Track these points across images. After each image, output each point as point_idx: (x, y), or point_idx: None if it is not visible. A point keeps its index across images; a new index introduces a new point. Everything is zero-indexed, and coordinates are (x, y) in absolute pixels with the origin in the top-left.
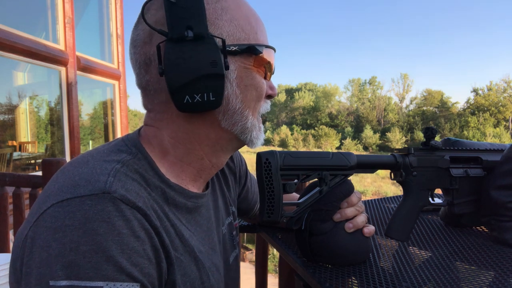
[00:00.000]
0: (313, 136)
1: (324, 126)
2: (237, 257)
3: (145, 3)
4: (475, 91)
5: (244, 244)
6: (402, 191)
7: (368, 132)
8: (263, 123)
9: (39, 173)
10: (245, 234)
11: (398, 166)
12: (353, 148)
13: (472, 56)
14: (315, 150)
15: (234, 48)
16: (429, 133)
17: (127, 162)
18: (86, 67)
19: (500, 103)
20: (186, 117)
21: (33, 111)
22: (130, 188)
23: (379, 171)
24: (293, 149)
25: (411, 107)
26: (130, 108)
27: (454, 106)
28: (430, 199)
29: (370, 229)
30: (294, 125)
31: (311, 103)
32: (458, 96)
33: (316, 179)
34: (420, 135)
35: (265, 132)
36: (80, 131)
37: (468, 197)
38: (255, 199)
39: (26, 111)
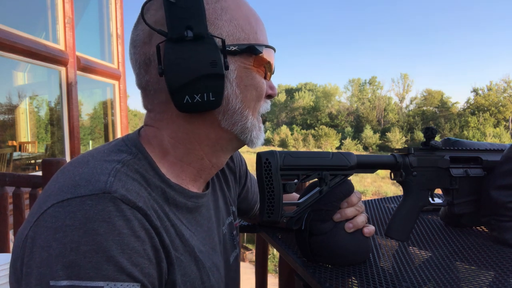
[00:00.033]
0: (313, 136)
1: (324, 126)
2: (237, 257)
3: (145, 3)
4: (475, 91)
5: (244, 244)
6: (402, 191)
7: (368, 132)
8: (263, 123)
9: (39, 173)
10: (245, 234)
11: (398, 166)
12: (353, 148)
13: (472, 56)
14: (315, 150)
15: (234, 48)
16: (429, 133)
17: (128, 162)
18: (86, 67)
19: (500, 103)
20: (186, 117)
21: (33, 111)
22: (131, 188)
23: (379, 171)
24: (293, 149)
25: (411, 107)
26: (130, 108)
27: (454, 106)
28: (430, 199)
29: (370, 229)
30: (294, 125)
31: (311, 103)
32: (458, 96)
33: (316, 179)
34: (420, 135)
35: (265, 132)
36: (80, 131)
37: (468, 197)
38: (255, 199)
39: (26, 111)
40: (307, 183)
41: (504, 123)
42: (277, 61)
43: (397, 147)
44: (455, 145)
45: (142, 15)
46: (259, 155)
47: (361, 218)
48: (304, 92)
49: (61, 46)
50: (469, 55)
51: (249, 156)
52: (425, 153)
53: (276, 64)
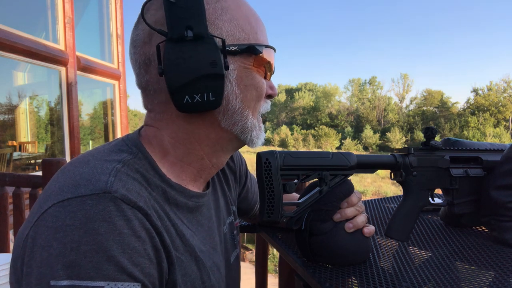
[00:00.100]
0: (313, 136)
1: (324, 126)
2: (237, 256)
3: (145, 3)
4: (475, 91)
5: (244, 244)
6: (402, 191)
7: (368, 132)
8: (263, 123)
9: (39, 173)
10: (245, 234)
11: (398, 166)
12: (353, 148)
13: (472, 56)
14: (315, 150)
15: (234, 48)
16: (429, 133)
17: (128, 161)
18: (86, 67)
19: (500, 103)
20: (186, 117)
21: (33, 111)
22: (131, 188)
23: (379, 171)
24: (293, 149)
25: (411, 107)
26: (130, 108)
27: (454, 106)
28: (430, 199)
29: (370, 229)
30: (294, 125)
31: (311, 103)
32: (458, 96)
33: (316, 179)
34: (420, 135)
35: (265, 132)
36: (80, 131)
37: (468, 197)
38: (255, 199)
39: (26, 111)
40: (307, 183)
41: (504, 123)
42: (277, 61)
43: (397, 147)
44: (455, 145)
45: (142, 15)
46: (259, 155)
47: (361, 218)
48: (304, 92)
49: (61, 46)
50: (469, 55)
51: (249, 156)
52: (425, 153)
53: (276, 64)
